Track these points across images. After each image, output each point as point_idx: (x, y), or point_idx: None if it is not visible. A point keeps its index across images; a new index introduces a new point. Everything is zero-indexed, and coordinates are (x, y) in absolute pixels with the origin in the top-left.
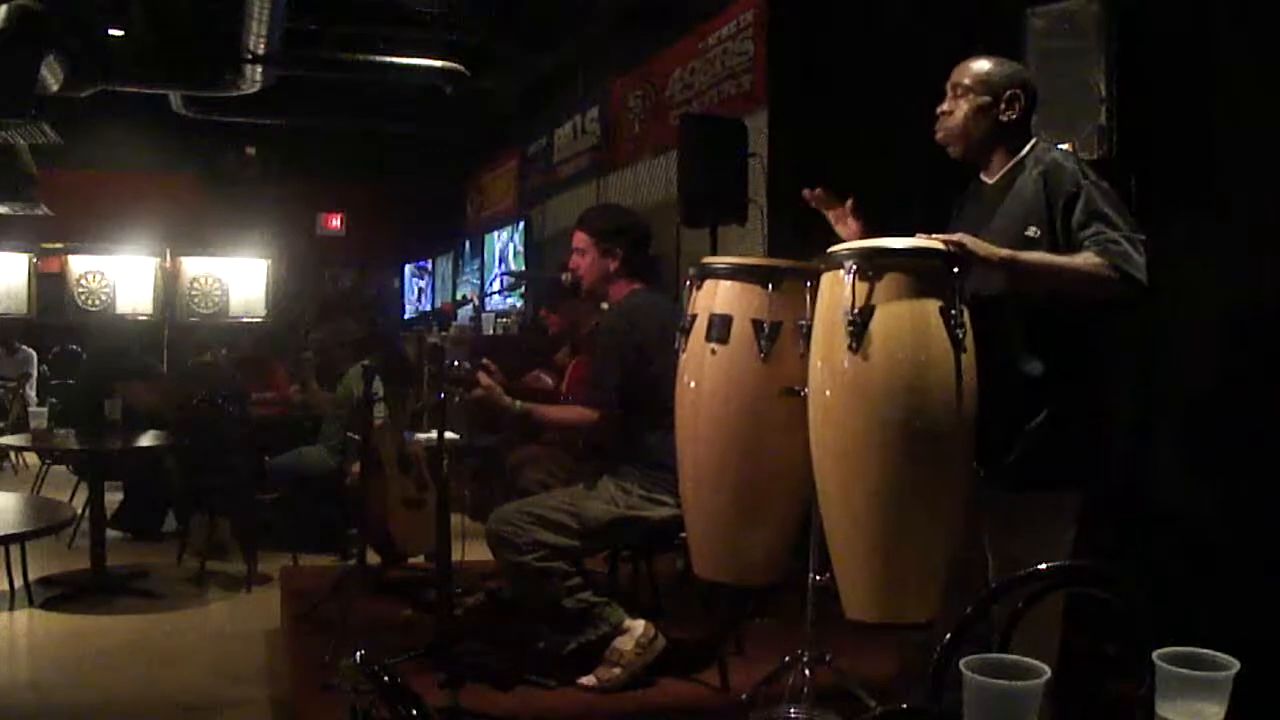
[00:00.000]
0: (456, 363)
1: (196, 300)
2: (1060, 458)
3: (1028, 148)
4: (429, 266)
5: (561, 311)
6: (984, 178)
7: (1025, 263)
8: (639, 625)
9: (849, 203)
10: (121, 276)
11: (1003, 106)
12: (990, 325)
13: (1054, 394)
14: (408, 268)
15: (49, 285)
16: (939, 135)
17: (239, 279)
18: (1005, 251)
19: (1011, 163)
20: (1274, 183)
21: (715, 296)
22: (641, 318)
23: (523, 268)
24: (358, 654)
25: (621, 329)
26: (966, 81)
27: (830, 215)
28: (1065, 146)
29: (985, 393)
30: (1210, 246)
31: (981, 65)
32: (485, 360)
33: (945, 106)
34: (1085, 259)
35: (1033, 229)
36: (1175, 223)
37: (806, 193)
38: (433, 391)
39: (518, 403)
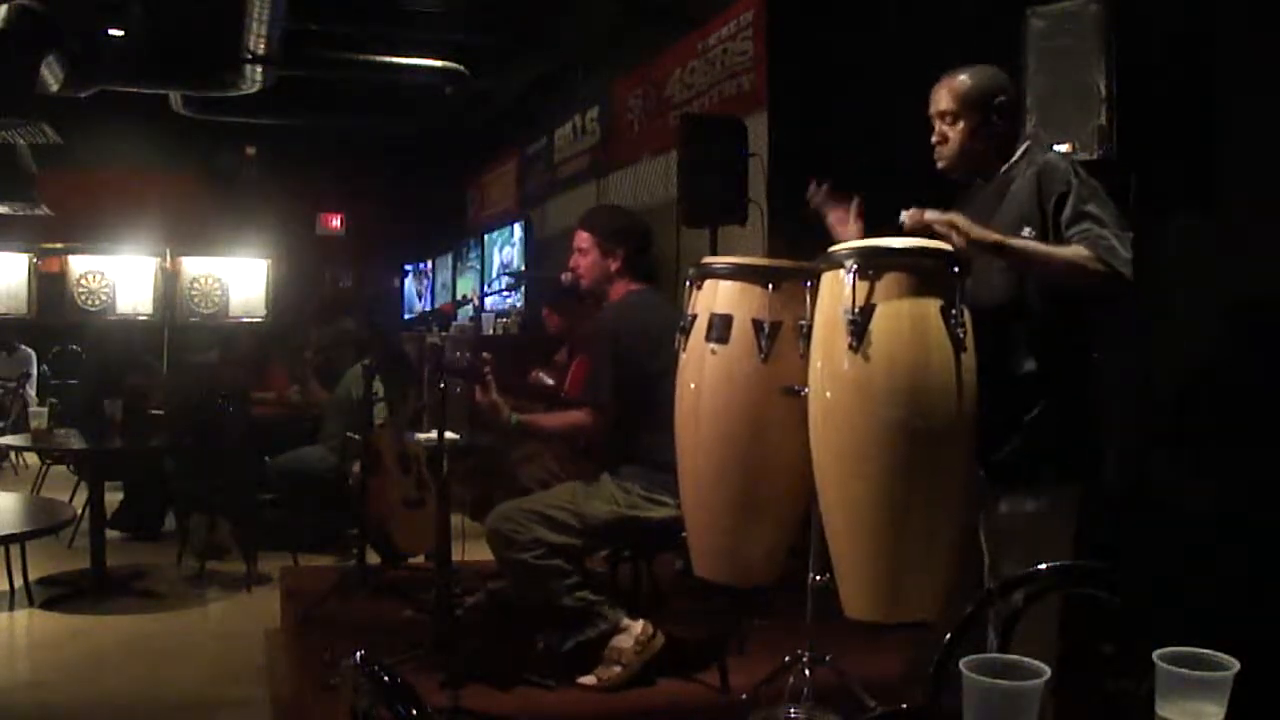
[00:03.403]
0: (458, 354)
1: (196, 300)
2: (1055, 454)
3: (1021, 149)
4: (429, 267)
5: (562, 311)
6: (980, 181)
7: (1014, 248)
8: (638, 624)
9: (855, 203)
10: (121, 276)
11: (994, 118)
12: (984, 324)
13: (1047, 391)
14: (408, 268)
15: (49, 285)
16: (940, 165)
17: (239, 279)
18: (996, 235)
19: (1006, 165)
20: (1273, 183)
21: (715, 296)
22: (633, 318)
23: (523, 268)
24: (358, 654)
25: (612, 330)
26: (954, 107)
27: (831, 215)
28: (1065, 147)
29: (981, 391)
30: (1210, 246)
31: (962, 84)
32: (486, 354)
33: (938, 137)
34: (1073, 250)
35: (1027, 229)
36: (1175, 223)
37: (812, 188)
38: (433, 386)
39: (515, 417)
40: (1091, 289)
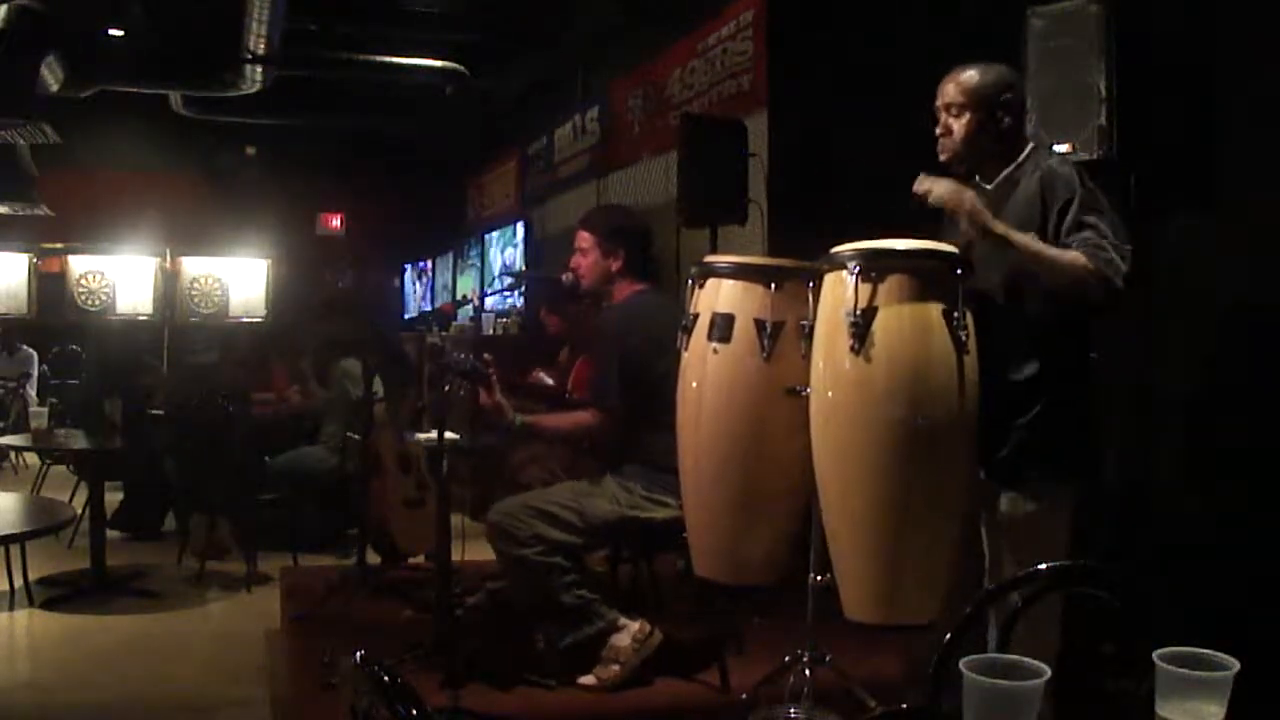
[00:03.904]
0: (461, 356)
1: (196, 300)
2: (1054, 454)
3: (1025, 152)
4: (429, 267)
5: (561, 313)
6: (980, 181)
7: (1017, 241)
8: (635, 623)
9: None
10: (121, 276)
11: (1000, 115)
12: (985, 325)
13: (1044, 392)
14: (408, 268)
15: (49, 285)
16: (942, 157)
17: (239, 279)
18: (999, 225)
19: (1010, 168)
20: (1273, 183)
21: (718, 296)
22: (637, 320)
23: (523, 268)
24: (358, 654)
25: (616, 332)
26: (960, 99)
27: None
28: (1065, 147)
29: (982, 391)
30: (1210, 246)
31: (970, 78)
32: (486, 356)
33: (942, 129)
34: (1072, 256)
35: (1030, 235)
36: (1175, 223)
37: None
38: (434, 388)
39: (518, 418)
40: (1084, 297)
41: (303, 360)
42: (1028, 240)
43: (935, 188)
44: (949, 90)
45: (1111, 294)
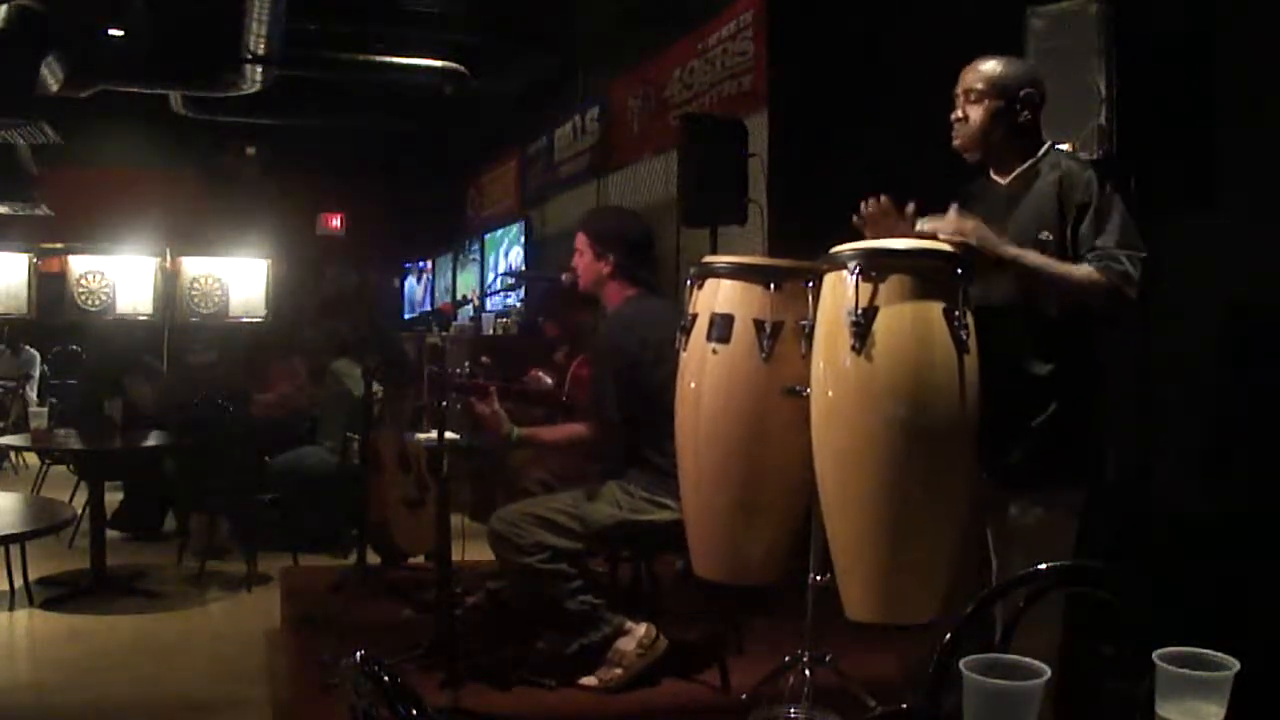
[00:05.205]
0: (459, 370)
1: (196, 300)
2: (1062, 457)
3: (1043, 151)
4: (429, 266)
5: (559, 319)
6: (995, 177)
7: (1027, 263)
8: (641, 627)
9: (910, 208)
10: (121, 276)
11: (1019, 108)
12: (995, 329)
13: (1056, 395)
14: (408, 268)
15: (49, 285)
16: (956, 142)
17: (239, 279)
18: (1011, 249)
19: (1025, 165)
20: (1273, 183)
21: (717, 296)
22: (631, 332)
23: (523, 268)
24: (358, 654)
25: (611, 345)
26: (980, 86)
27: (871, 231)
28: (1065, 146)
29: (990, 395)
30: (1210, 246)
31: (993, 67)
32: (485, 359)
33: (959, 113)
34: (1085, 272)
35: (1045, 233)
36: (1175, 222)
37: (870, 204)
38: (433, 395)
39: (515, 431)
40: (1097, 309)
41: (303, 359)
42: (1041, 261)
43: (938, 226)
44: (969, 76)
45: (1123, 305)
